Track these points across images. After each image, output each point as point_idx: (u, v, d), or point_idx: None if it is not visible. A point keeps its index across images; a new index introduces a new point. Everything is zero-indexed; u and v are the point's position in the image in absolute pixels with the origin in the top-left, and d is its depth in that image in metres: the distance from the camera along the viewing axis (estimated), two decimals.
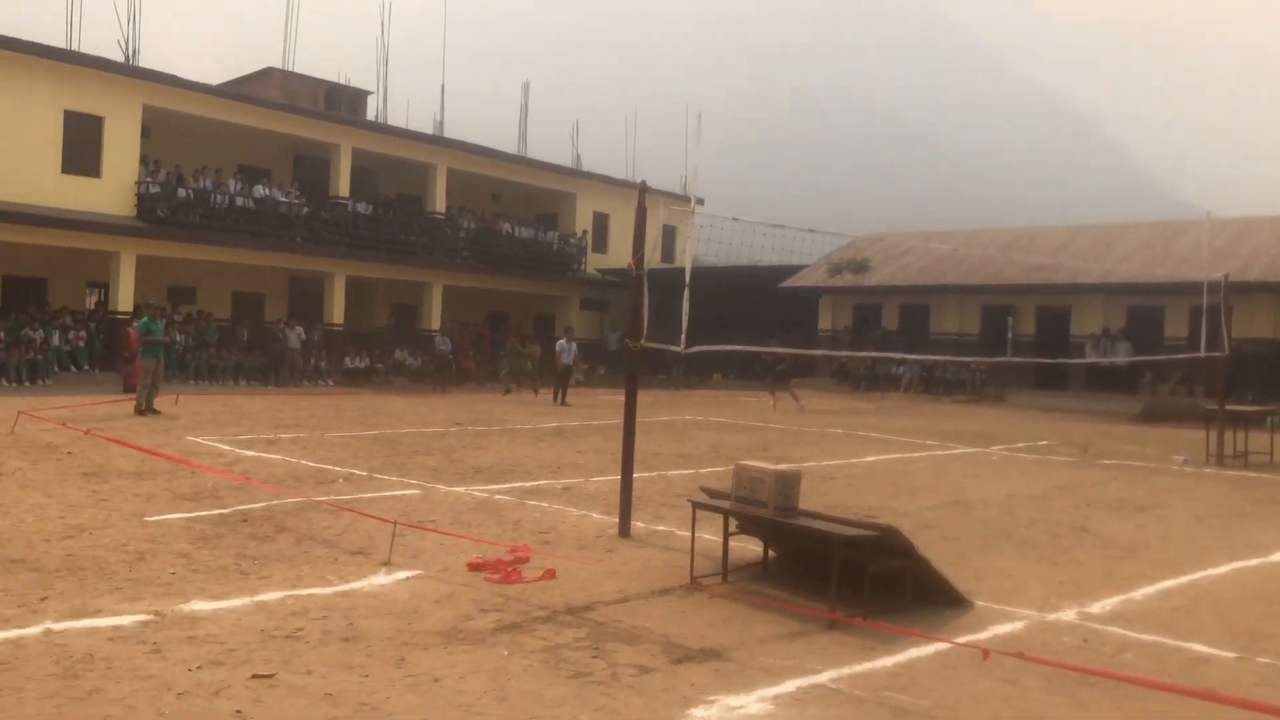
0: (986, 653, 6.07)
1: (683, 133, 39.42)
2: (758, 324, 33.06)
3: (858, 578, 7.05)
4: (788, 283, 34.80)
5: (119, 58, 27.94)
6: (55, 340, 25.25)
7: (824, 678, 5.90)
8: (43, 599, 6.74)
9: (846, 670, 6.05)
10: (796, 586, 7.72)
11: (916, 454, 16.41)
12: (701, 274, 9.32)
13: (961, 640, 6.53)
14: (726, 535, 7.90)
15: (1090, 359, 29.30)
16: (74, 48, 26.93)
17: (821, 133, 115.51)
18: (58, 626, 6.18)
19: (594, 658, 6.08)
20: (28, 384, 23.20)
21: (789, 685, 5.79)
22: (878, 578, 7.12)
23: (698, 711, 5.39)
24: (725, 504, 7.88)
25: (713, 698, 5.55)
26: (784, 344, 29.74)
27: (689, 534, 8.15)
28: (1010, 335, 31.79)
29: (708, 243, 10.84)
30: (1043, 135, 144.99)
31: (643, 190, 9.39)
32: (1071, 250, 31.59)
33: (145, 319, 19.59)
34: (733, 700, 5.54)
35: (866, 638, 6.64)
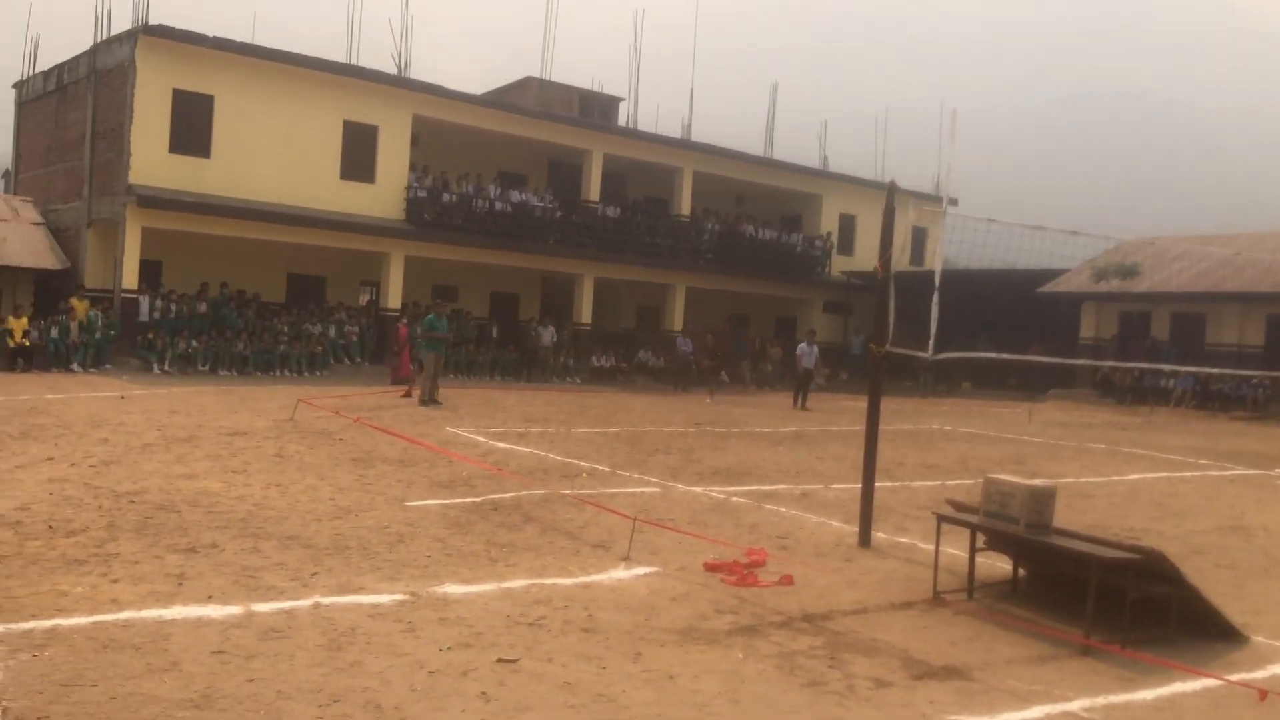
0: (1264, 693, 5.55)
1: (935, 132, 38.19)
2: (1012, 330, 31.63)
3: (1116, 603, 6.60)
4: (1046, 287, 33.11)
5: (392, 70, 29.90)
6: (331, 334, 27.30)
7: (1075, 706, 5.56)
8: (313, 574, 7.28)
9: (1101, 700, 5.67)
10: (1047, 608, 7.31)
11: (1187, 474, 15.22)
12: (952, 277, 9.01)
13: (1235, 678, 6.00)
14: (973, 551, 7.59)
15: None
16: (353, 62, 29.04)
17: (1088, 130, 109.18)
18: (325, 600, 6.65)
19: (830, 667, 5.97)
20: (306, 374, 25.15)
21: (1036, 711, 5.49)
22: (1139, 604, 6.64)
23: None
24: (973, 518, 7.56)
25: (953, 717, 5.34)
26: (1041, 352, 28.35)
27: (932, 547, 7.88)
28: None
29: (960, 244, 10.46)
30: None
31: (891, 190, 9.16)
32: None
33: (430, 316, 20.94)
34: None
35: (1124, 667, 6.21)
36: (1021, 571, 7.86)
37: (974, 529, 7.54)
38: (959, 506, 8.19)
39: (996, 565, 8.14)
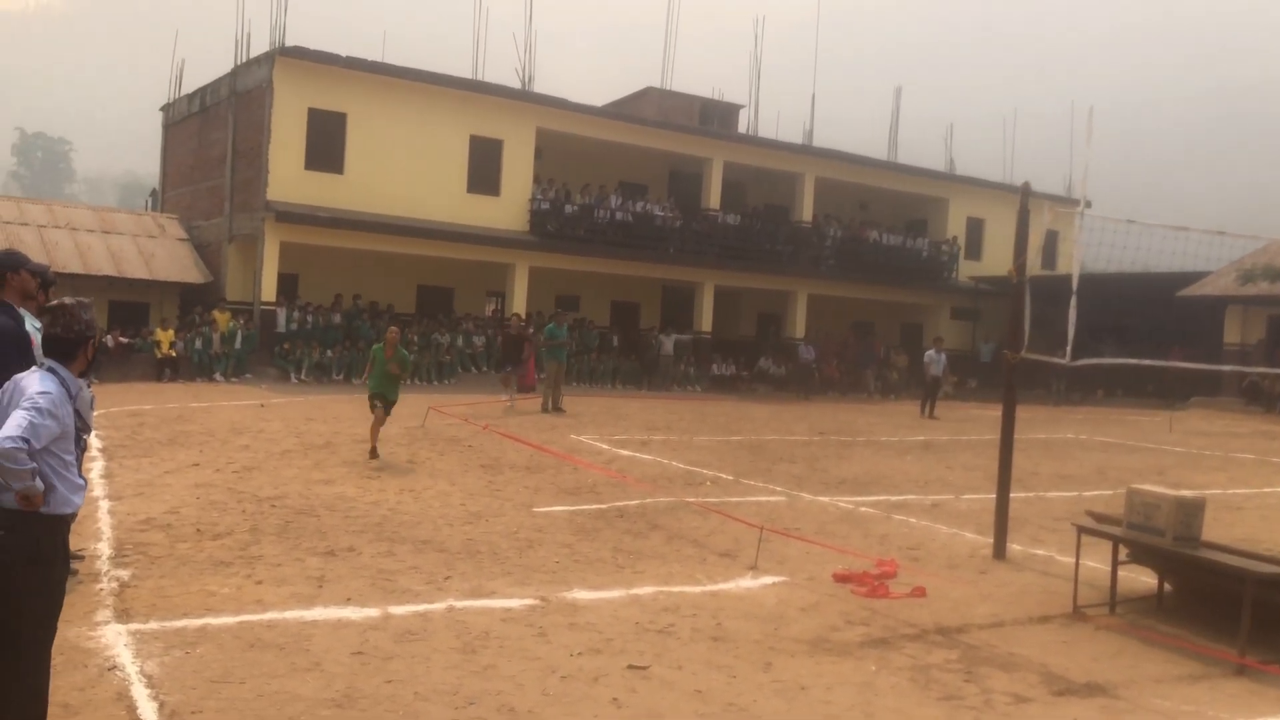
0: None
1: (1067, 132, 36.98)
2: (1148, 336, 30.39)
3: (1273, 620, 6.27)
4: (1187, 291, 31.70)
5: (516, 84, 30.42)
6: (459, 343, 27.89)
7: None
8: (446, 578, 7.43)
9: None
10: (1196, 625, 6.99)
11: None
12: (1085, 281, 8.67)
13: None
14: (1115, 564, 7.30)
15: None
16: (478, 77, 29.65)
17: (1232, 124, 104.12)
18: (459, 604, 6.78)
19: (966, 681, 5.82)
20: (436, 383, 25.75)
21: None
22: None
23: None
24: (1115, 530, 7.29)
25: None
26: (1182, 358, 27.16)
27: (1071, 560, 7.62)
28: None
29: (1096, 247, 10.09)
30: None
31: (1025, 192, 8.90)
32: None
33: (551, 325, 21.27)
34: None
35: None
36: (1167, 586, 7.53)
37: (1116, 541, 7.26)
38: (1099, 518, 7.90)
39: (1140, 579, 7.82)
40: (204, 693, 5.03)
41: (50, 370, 4.09)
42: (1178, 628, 6.99)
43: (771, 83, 37.18)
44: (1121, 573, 7.40)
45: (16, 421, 3.83)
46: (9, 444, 3.76)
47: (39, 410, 3.87)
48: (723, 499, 11.08)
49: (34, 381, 4.02)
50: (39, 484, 3.88)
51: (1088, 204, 8.83)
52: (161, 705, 4.86)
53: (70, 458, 4.06)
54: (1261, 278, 30.52)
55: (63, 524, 4.05)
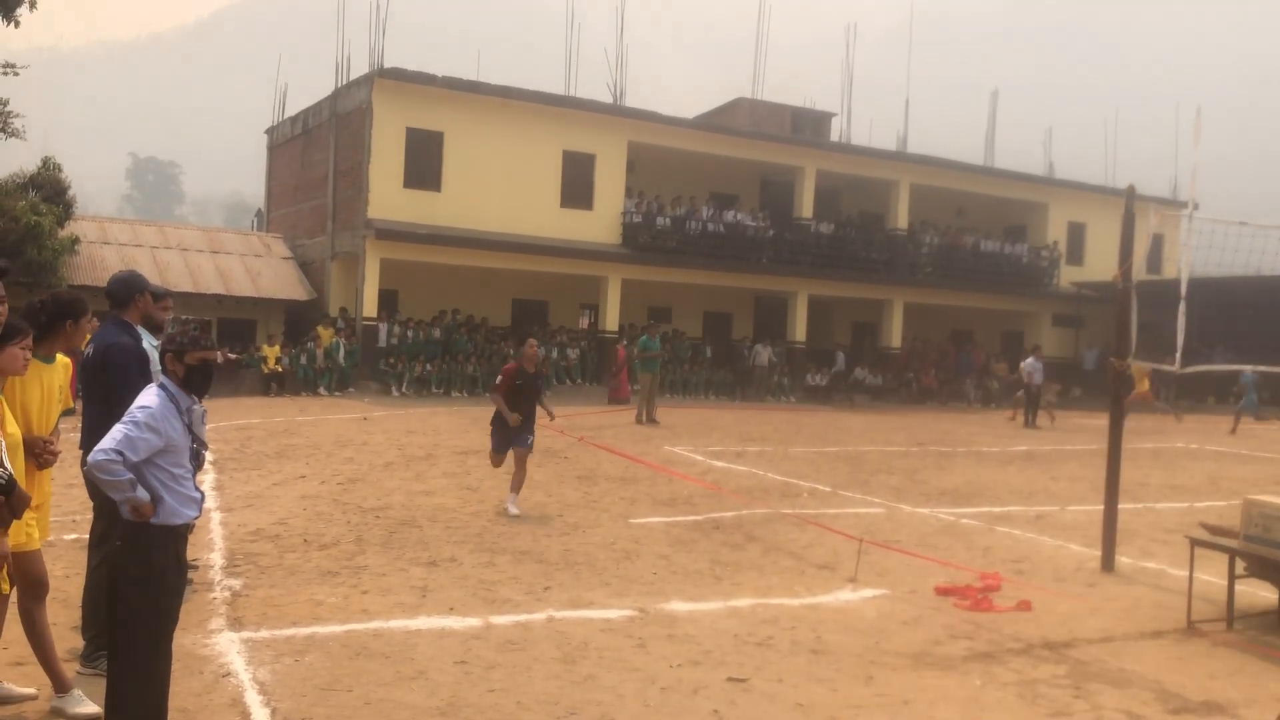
0: None
1: (1171, 133, 35.88)
2: (1265, 340, 29.22)
3: None
4: None
5: (608, 99, 30.67)
6: (554, 356, 28.19)
7: None
8: (545, 588, 7.50)
9: None
10: None
11: None
12: (1194, 286, 8.40)
13: None
14: (1232, 578, 7.04)
15: None
16: (570, 93, 29.98)
17: None
18: (559, 614, 6.84)
19: (1075, 697, 5.67)
20: None
21: None
22: None
23: None
24: (1232, 543, 7.03)
25: None
26: None
27: (1184, 573, 7.38)
28: None
29: (1206, 250, 9.80)
30: None
31: (1130, 194, 8.67)
32: None
33: (644, 337, 21.39)
34: None
35: None
36: None
37: (1233, 554, 7.00)
38: (1214, 530, 7.63)
39: (1259, 594, 7.52)
40: (313, 700, 5.16)
41: (161, 387, 4.26)
42: None
43: (864, 90, 36.89)
44: (1239, 587, 7.13)
45: (113, 434, 4.04)
46: (101, 456, 3.98)
47: (136, 424, 4.07)
48: (820, 511, 10.98)
49: (141, 397, 4.20)
50: (142, 495, 4.05)
51: (1196, 206, 8.56)
52: (274, 711, 5.00)
53: (181, 471, 4.22)
54: None
55: (173, 535, 4.21)
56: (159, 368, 4.71)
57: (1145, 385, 25.33)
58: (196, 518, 4.40)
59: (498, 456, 10.78)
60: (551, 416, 11.11)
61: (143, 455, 4.07)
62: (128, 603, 4.09)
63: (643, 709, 5.25)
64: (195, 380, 4.35)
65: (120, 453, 3.99)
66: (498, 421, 10.56)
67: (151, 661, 4.14)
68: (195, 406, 4.40)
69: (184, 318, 5.36)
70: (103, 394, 5.57)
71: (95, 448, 4.05)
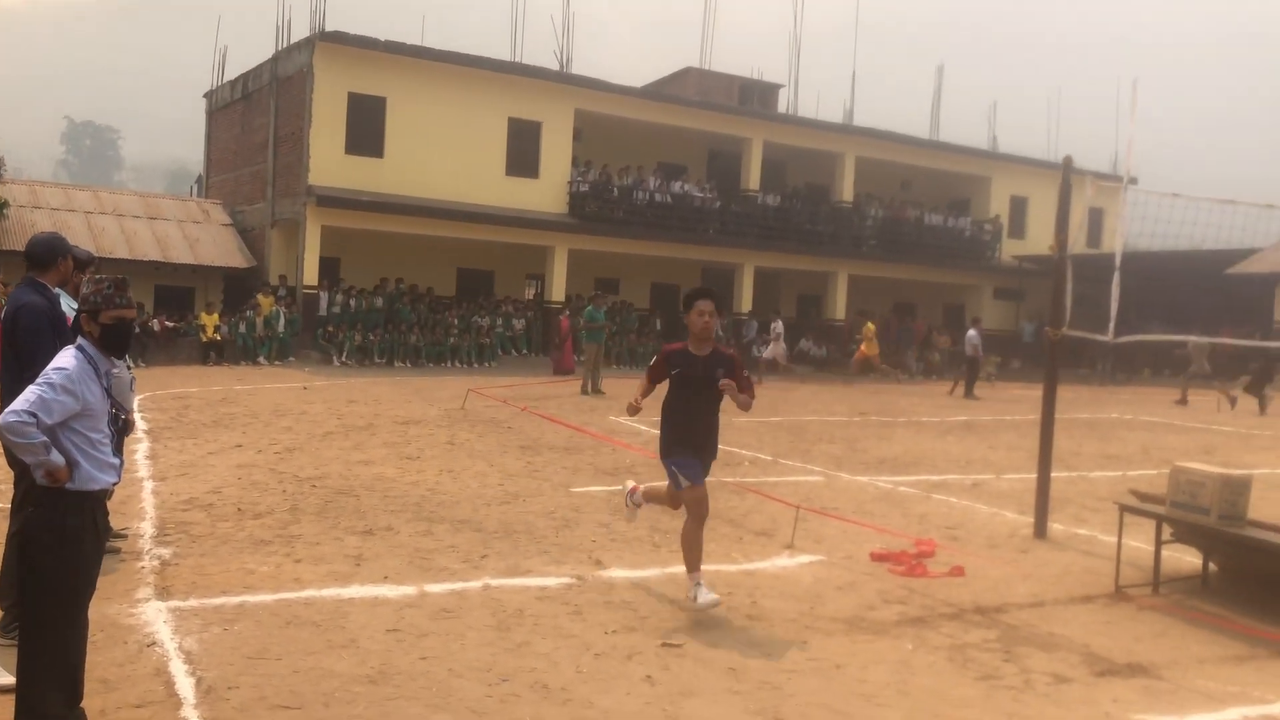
0: None
1: (1113, 108, 36.32)
2: (1196, 315, 29.84)
3: None
4: (1236, 268, 31.11)
5: (554, 66, 30.40)
6: (499, 326, 28.02)
7: (1278, 709, 5.19)
8: (483, 556, 7.45)
9: None
10: (1242, 605, 6.86)
11: None
12: (1130, 259, 8.50)
13: None
14: (1159, 543, 7.18)
15: None
16: (517, 60, 29.67)
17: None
18: (495, 582, 6.79)
19: (1005, 661, 5.75)
20: (475, 365, 25.90)
21: (1232, 714, 5.16)
22: None
23: None
24: (1159, 509, 7.16)
25: (1140, 717, 5.06)
26: (1232, 336, 26.66)
27: (1114, 539, 7.50)
28: None
29: (1142, 222, 9.89)
30: None
31: (1067, 166, 8.74)
32: None
33: (590, 307, 21.29)
34: None
35: None
36: (1212, 566, 7.39)
37: (1160, 520, 7.14)
38: (1143, 497, 7.77)
39: (1184, 559, 7.68)
40: (240, 668, 5.08)
41: (79, 348, 4.13)
42: (1222, 608, 6.86)
43: (811, 62, 36.90)
44: (1165, 552, 7.27)
45: (25, 396, 3.92)
46: (12, 418, 3.86)
47: (51, 385, 3.94)
48: (760, 479, 11.03)
49: (56, 359, 4.08)
50: (57, 458, 3.93)
51: (1133, 180, 8.66)
52: (199, 681, 4.91)
53: (99, 436, 4.10)
54: None
55: (89, 500, 4.09)
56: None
57: (874, 349, 25.81)
58: (115, 484, 4.28)
59: (694, 490, 6.45)
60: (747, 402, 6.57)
61: (58, 418, 3.95)
62: (40, 570, 3.98)
63: (576, 675, 5.23)
64: (112, 340, 4.21)
65: (33, 414, 3.86)
66: (676, 423, 6.56)
67: (65, 631, 4.03)
68: (118, 371, 4.28)
69: (98, 276, 5.19)
70: (15, 356, 5.41)
71: (7, 409, 3.93)
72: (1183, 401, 22.88)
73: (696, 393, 6.50)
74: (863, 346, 26.09)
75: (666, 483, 6.72)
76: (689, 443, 6.50)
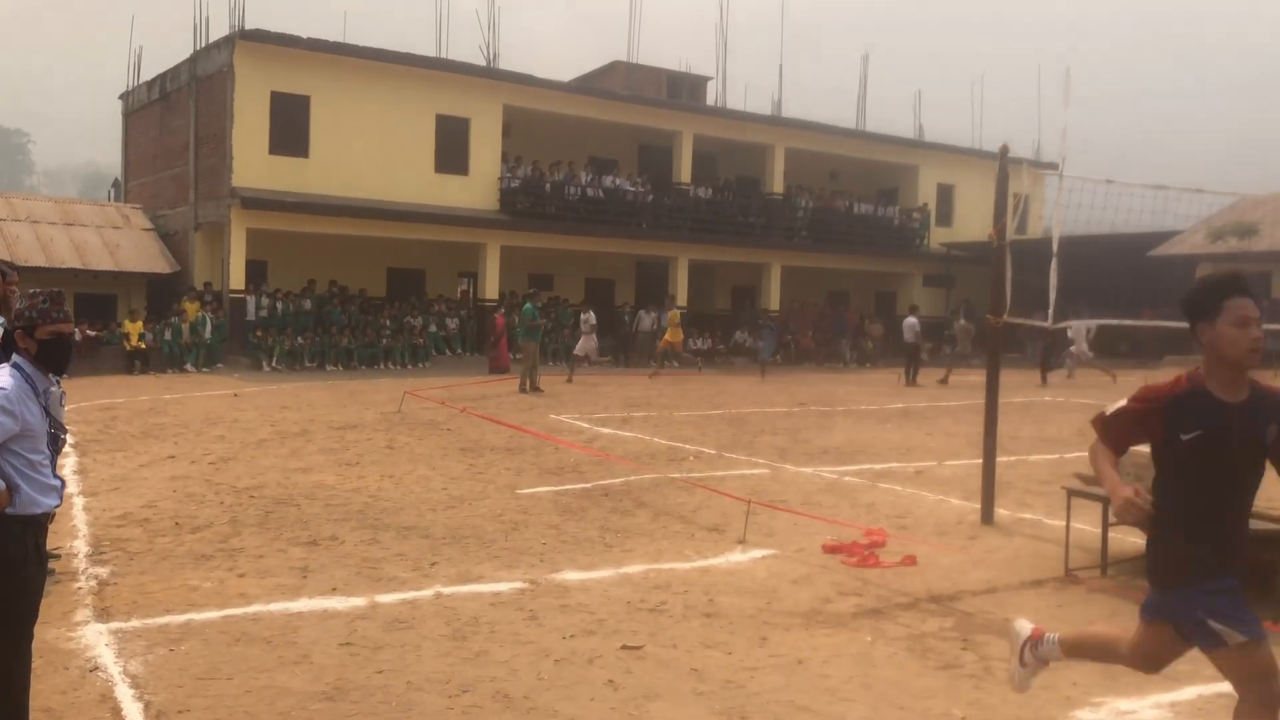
0: None
1: (1034, 94, 37.00)
2: (1120, 297, 30.53)
3: (1268, 579, 6.25)
4: (1158, 250, 31.89)
5: (481, 62, 30.09)
6: (432, 327, 27.68)
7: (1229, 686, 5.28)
8: (433, 564, 7.31)
9: None
10: None
11: None
12: (1059, 244, 8.60)
13: None
14: (1106, 525, 7.28)
15: None
16: (442, 55, 29.30)
17: (1198, 79, 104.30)
18: (447, 590, 6.67)
19: (963, 649, 5.78)
20: (410, 367, 25.57)
21: (1188, 692, 5.23)
22: None
23: (1083, 714, 5.00)
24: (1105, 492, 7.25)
25: (1099, 700, 5.12)
26: (1154, 317, 27.33)
27: (1061, 523, 7.61)
28: None
29: (1073, 209, 10.04)
30: None
31: (1003, 154, 8.84)
32: None
33: (529, 305, 21.09)
34: (1123, 704, 5.08)
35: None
36: None
37: (1107, 503, 7.23)
38: (1088, 480, 7.87)
39: (1130, 540, 7.80)
40: (190, 690, 4.90)
41: (15, 367, 3.94)
42: None
43: (739, 55, 37.08)
44: (1112, 534, 7.38)
45: None
46: None
47: None
48: (707, 474, 11.01)
49: None
50: None
51: (1062, 166, 8.77)
52: (147, 706, 4.73)
53: (38, 457, 3.91)
54: (1230, 234, 30.78)
55: (31, 525, 3.90)
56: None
57: (678, 335, 25.89)
58: (57, 506, 4.09)
59: (1255, 651, 3.62)
60: None
61: None
62: None
63: (537, 682, 5.14)
64: (50, 357, 4.02)
65: None
66: (1195, 523, 3.76)
67: (8, 661, 3.84)
68: (53, 388, 4.09)
69: (32, 290, 4.96)
70: None
71: None
72: (944, 381, 23.94)
73: (1233, 468, 3.73)
74: (667, 334, 25.84)
75: (1102, 628, 4.57)
76: (1221, 557, 3.72)
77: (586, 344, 23.90)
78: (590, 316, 24.63)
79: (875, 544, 7.94)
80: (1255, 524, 6.62)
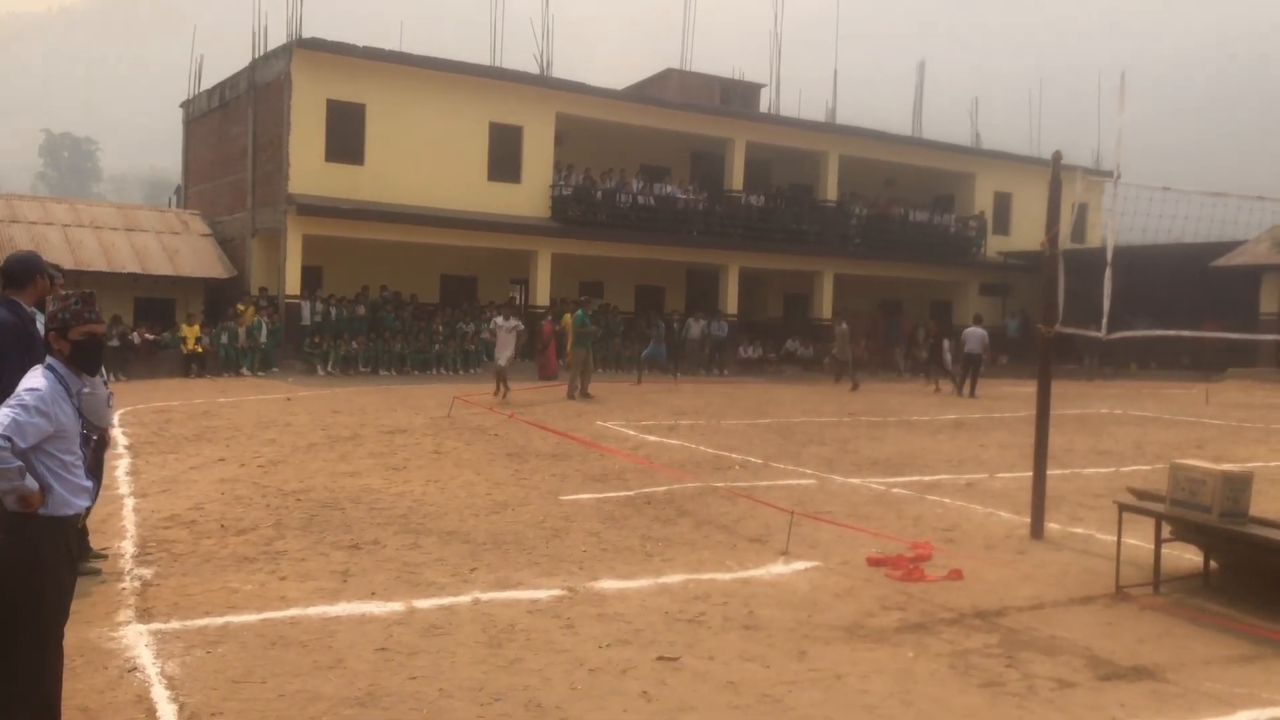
0: None
1: (1094, 102, 36.36)
2: (1182, 308, 29.86)
3: None
4: (1220, 261, 31.13)
5: (535, 70, 30.22)
6: (484, 333, 27.80)
7: None
8: (472, 569, 7.30)
9: None
10: (1246, 604, 6.76)
11: None
12: (1117, 254, 8.39)
13: None
14: (1159, 542, 7.08)
15: None
16: (496, 64, 29.48)
17: (1270, 84, 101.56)
18: (485, 596, 6.65)
19: (1007, 666, 5.63)
20: (461, 372, 25.71)
21: (1242, 716, 5.06)
22: None
23: None
24: (1159, 507, 7.06)
25: None
26: (1217, 329, 26.69)
27: (1112, 538, 7.41)
28: None
29: (1131, 217, 9.81)
30: None
31: (1056, 161, 8.66)
32: None
33: (580, 312, 21.07)
34: None
35: None
36: (1214, 564, 7.30)
37: (1159, 518, 7.04)
38: (1141, 495, 7.68)
39: (1184, 557, 7.59)
40: (225, 693, 4.92)
41: (49, 368, 3.98)
42: (1226, 607, 6.76)
43: (793, 62, 36.81)
44: (1165, 550, 7.17)
45: None
46: None
47: (25, 407, 3.77)
48: (752, 483, 10.90)
49: (26, 379, 3.91)
50: (31, 483, 3.77)
51: (1119, 175, 8.55)
52: (181, 707, 4.75)
53: (71, 458, 3.94)
54: None
55: (64, 526, 3.93)
56: None
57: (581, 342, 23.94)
58: (88, 508, 4.12)
59: None
60: None
61: (31, 441, 3.79)
62: (12, 600, 3.81)
63: (570, 692, 5.09)
64: (82, 357, 4.05)
65: (7, 439, 3.70)
66: None
67: (39, 659, 3.87)
68: (95, 389, 4.12)
69: (64, 292, 5.04)
70: None
71: None
72: (854, 387, 24.00)
73: None
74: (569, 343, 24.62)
75: None
76: None
77: (503, 351, 20.41)
78: (513, 322, 21.10)
79: (921, 557, 7.79)
80: (1268, 533, 6.43)
